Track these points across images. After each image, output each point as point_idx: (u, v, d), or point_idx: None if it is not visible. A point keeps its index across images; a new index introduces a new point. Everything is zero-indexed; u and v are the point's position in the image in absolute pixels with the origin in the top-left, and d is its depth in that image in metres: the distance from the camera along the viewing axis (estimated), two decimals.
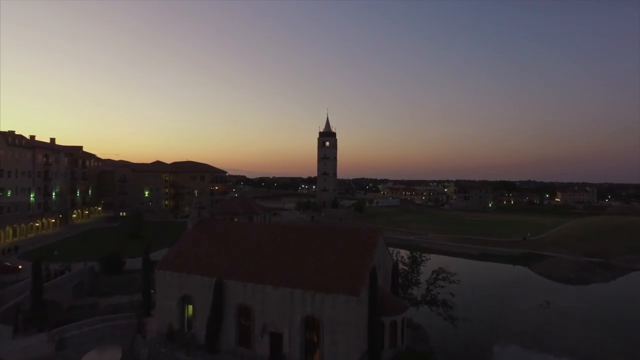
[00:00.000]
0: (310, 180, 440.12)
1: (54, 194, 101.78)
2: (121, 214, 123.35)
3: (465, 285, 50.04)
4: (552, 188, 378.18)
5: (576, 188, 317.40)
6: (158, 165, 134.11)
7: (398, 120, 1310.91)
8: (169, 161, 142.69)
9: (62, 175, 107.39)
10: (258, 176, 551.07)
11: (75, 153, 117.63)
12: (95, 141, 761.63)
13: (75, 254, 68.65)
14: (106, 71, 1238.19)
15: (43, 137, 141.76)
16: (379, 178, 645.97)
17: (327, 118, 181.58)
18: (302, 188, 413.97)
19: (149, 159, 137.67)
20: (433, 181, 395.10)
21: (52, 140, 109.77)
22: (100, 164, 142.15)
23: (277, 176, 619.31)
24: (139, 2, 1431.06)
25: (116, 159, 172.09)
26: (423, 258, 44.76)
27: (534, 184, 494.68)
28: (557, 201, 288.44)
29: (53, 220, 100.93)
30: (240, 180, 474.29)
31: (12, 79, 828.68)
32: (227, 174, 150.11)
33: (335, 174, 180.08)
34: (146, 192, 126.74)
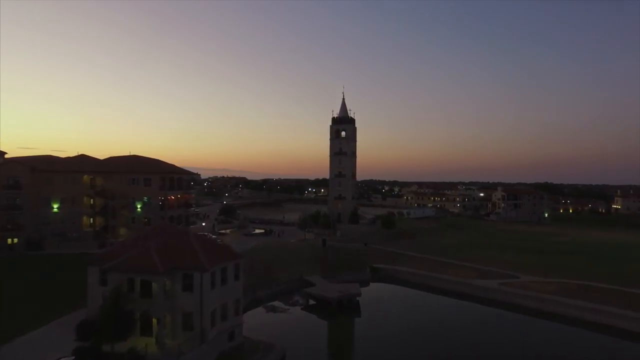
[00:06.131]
0: (318, 183, 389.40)
1: None
2: (9, 241, 74.82)
3: None
4: (593, 191, 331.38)
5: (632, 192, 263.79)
6: (77, 163, 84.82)
7: (399, 119, 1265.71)
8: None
9: None
10: (262, 177, 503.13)
11: None
12: (95, 141, 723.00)
13: None
14: (106, 71, 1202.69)
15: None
16: (388, 180, 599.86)
17: (343, 100, 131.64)
18: (308, 192, 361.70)
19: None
20: (460, 183, 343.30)
21: None
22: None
23: (282, 177, 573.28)
24: (139, 2, 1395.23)
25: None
26: None
27: (566, 187, 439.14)
28: (618, 208, 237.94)
29: None
30: (239, 183, 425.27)
31: (12, 80, 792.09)
32: (198, 176, 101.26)
33: (354, 175, 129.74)
34: (55, 206, 78.05)
